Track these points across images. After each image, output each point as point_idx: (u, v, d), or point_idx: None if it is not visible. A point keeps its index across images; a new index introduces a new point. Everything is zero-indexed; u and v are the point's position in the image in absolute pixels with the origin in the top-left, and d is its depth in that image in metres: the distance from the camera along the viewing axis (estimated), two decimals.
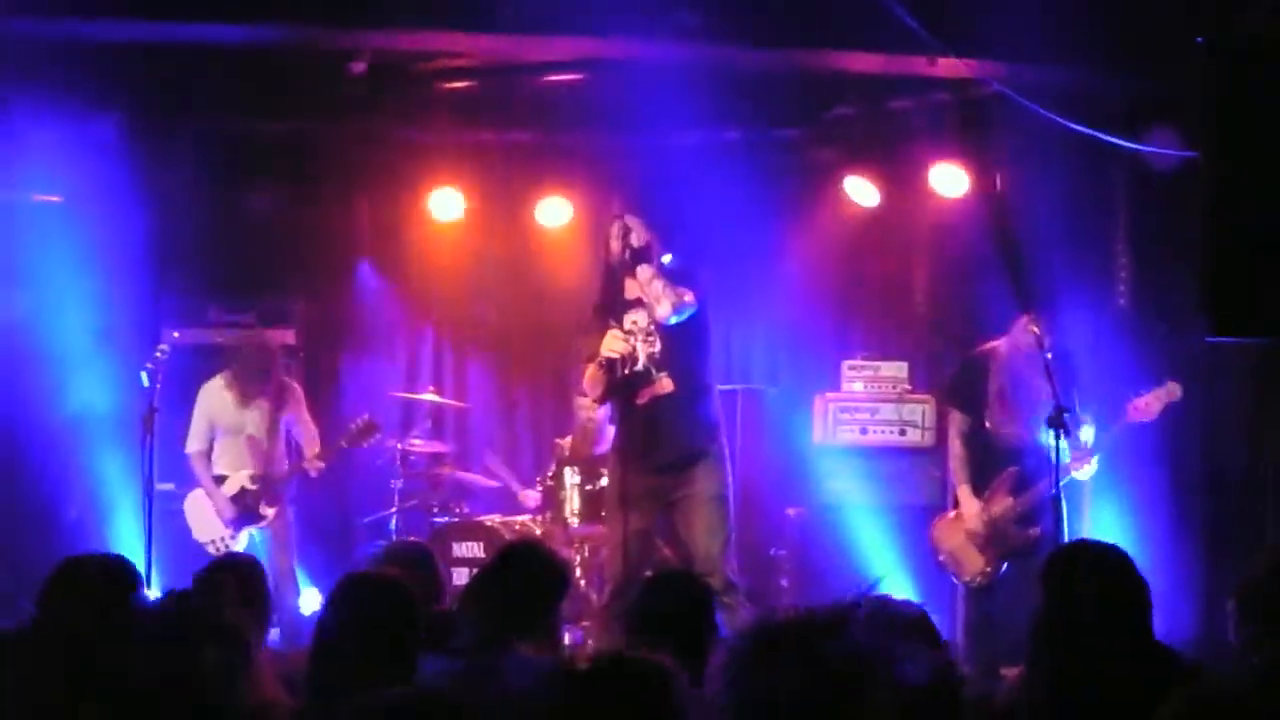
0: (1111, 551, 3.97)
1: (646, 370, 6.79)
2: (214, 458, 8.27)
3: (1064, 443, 6.78)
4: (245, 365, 8.24)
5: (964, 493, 7.47)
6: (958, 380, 7.74)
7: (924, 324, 9.48)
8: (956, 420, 7.61)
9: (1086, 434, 7.21)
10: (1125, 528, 7.76)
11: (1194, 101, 6.46)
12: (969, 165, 9.06)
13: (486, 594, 4.31)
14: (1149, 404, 7.10)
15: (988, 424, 7.42)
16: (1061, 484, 7.21)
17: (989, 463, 7.40)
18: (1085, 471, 7.21)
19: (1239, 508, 8.26)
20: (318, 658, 3.60)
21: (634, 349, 6.78)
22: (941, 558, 7.58)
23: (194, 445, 8.25)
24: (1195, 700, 2.46)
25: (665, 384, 6.80)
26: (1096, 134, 8.34)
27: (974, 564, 7.39)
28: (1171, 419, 7.61)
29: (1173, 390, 7.10)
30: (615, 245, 6.84)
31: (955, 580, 7.54)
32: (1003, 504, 7.31)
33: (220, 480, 8.21)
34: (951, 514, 7.61)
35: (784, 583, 8.68)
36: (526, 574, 4.37)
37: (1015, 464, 7.26)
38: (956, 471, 7.56)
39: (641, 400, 6.80)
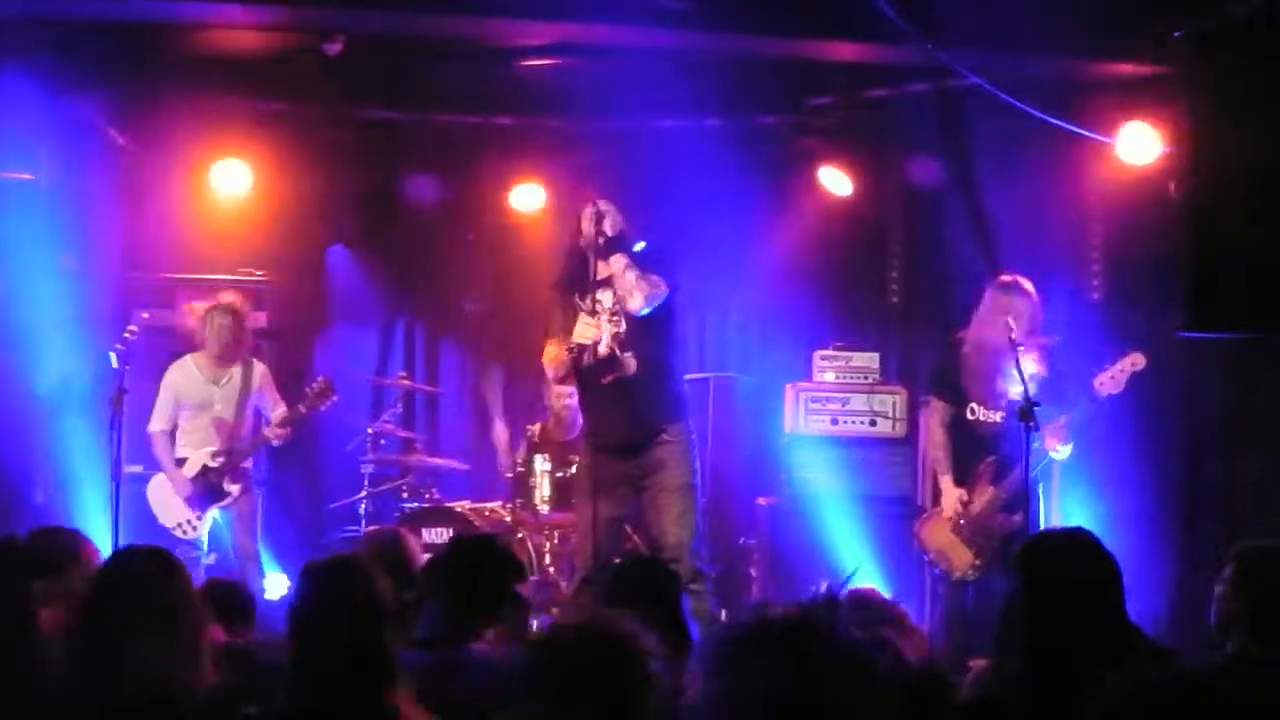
0: (1079, 536, 3.96)
1: (612, 353, 6.78)
2: (178, 437, 8.17)
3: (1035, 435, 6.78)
4: (220, 324, 8.11)
5: (946, 483, 7.44)
6: (939, 368, 7.71)
7: (897, 315, 9.49)
8: (939, 409, 7.56)
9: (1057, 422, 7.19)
10: (1097, 514, 7.80)
11: (1170, 95, 6.47)
12: (944, 157, 9.07)
13: (445, 585, 4.29)
14: (1114, 377, 7.09)
15: (969, 414, 7.40)
16: (1039, 466, 7.24)
17: (969, 451, 7.38)
18: (1062, 452, 7.21)
19: (1212, 495, 8.32)
20: (297, 646, 3.58)
21: (600, 333, 6.77)
22: (930, 556, 7.52)
23: (157, 424, 8.16)
24: (1140, 683, 2.47)
25: (630, 364, 6.79)
26: (1072, 127, 8.36)
27: (964, 559, 7.35)
28: (1146, 405, 7.64)
29: (1135, 360, 7.10)
30: (587, 227, 6.81)
31: (946, 576, 7.47)
32: (985, 494, 7.29)
33: (181, 462, 8.13)
34: (934, 510, 7.57)
35: (753, 572, 8.68)
36: (481, 563, 4.35)
37: (993, 452, 7.24)
38: (939, 461, 7.52)
39: (606, 381, 6.79)
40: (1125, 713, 2.46)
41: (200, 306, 8.28)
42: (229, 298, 8.31)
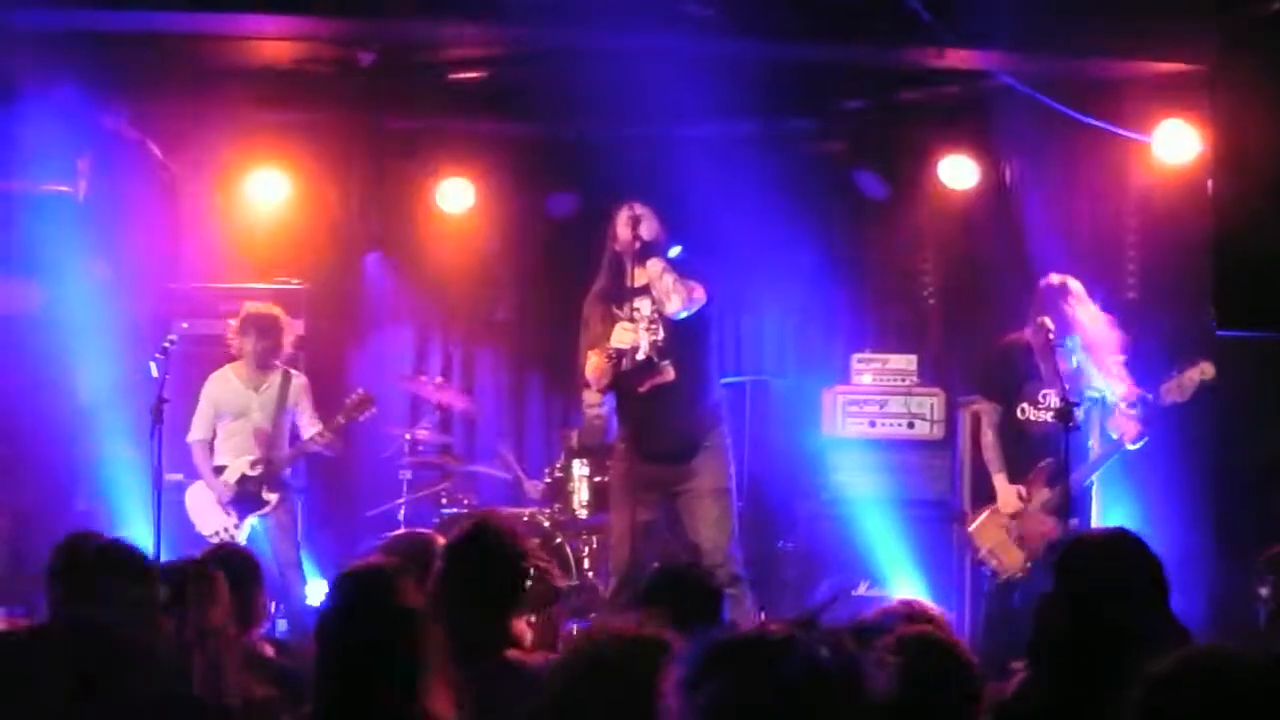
0: (1119, 537, 3.95)
1: (649, 359, 6.78)
2: (217, 445, 8.22)
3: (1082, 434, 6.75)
4: (258, 333, 8.16)
5: (1000, 481, 7.36)
6: (988, 370, 7.66)
7: (933, 317, 9.47)
8: (987, 411, 7.51)
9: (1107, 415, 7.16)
10: (1135, 518, 7.75)
11: (1205, 92, 6.46)
12: (979, 157, 9.05)
13: (459, 597, 4.22)
14: (1181, 384, 7.01)
15: (1020, 414, 7.36)
16: (1108, 462, 7.20)
17: (1021, 453, 7.33)
18: (1138, 443, 7.14)
19: (1249, 499, 8.26)
20: (322, 653, 3.58)
21: (638, 338, 6.77)
22: (981, 555, 7.43)
23: (197, 433, 8.23)
24: (1187, 661, 2.44)
25: (668, 373, 6.80)
26: (1105, 125, 8.33)
27: (1013, 560, 7.28)
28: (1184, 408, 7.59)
29: (1205, 370, 7.01)
30: (624, 232, 6.82)
31: (993, 577, 7.43)
32: (1040, 494, 7.24)
33: (220, 470, 8.18)
34: (986, 512, 7.47)
35: (790, 575, 8.67)
36: (486, 562, 4.26)
37: (1048, 454, 7.17)
38: (992, 460, 7.43)
39: (643, 389, 6.79)
40: (1167, 690, 2.45)
41: (240, 316, 8.33)
42: (263, 307, 8.35)
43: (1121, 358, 7.21)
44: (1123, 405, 7.11)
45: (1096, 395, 7.08)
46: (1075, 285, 7.30)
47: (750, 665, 2.22)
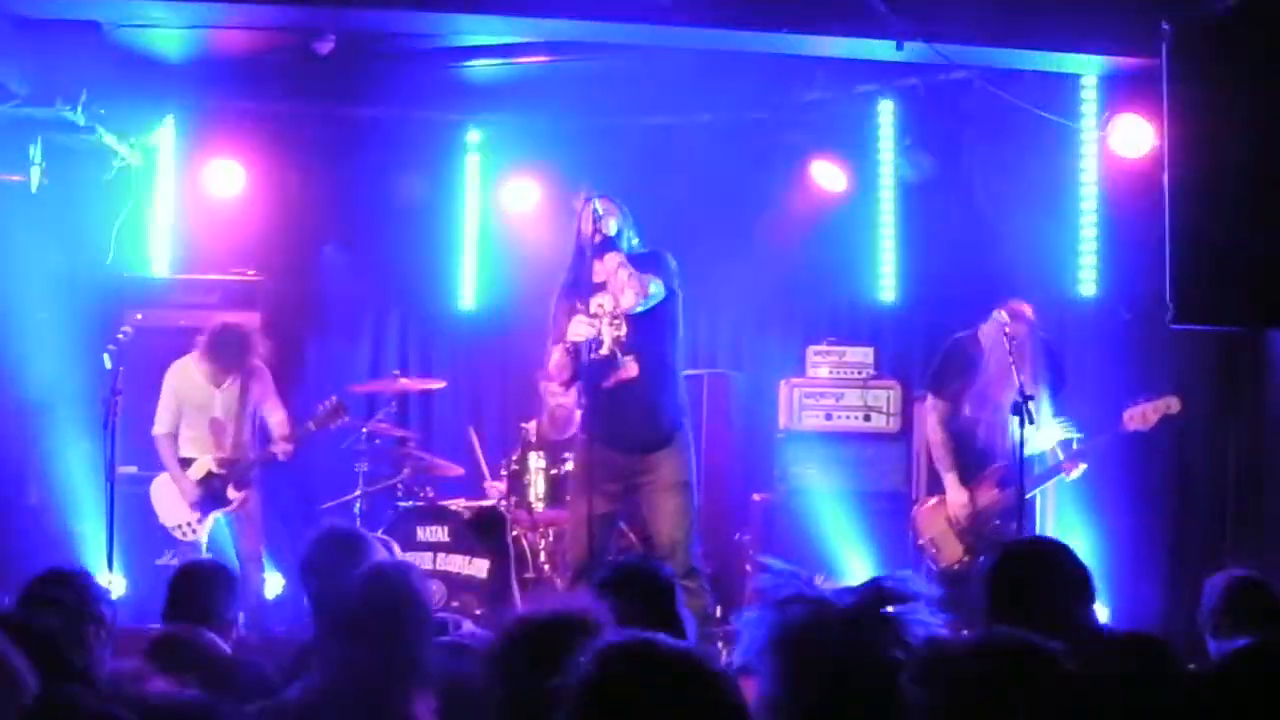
0: (1047, 544, 4.03)
1: (612, 354, 6.77)
2: (180, 440, 8.18)
3: (1028, 431, 6.77)
4: (221, 350, 8.11)
5: (951, 480, 7.44)
6: (940, 367, 7.70)
7: (890, 310, 9.49)
8: (939, 407, 7.56)
9: (1048, 421, 7.20)
10: (1089, 525, 7.81)
11: (1160, 88, 6.48)
12: (936, 151, 9.08)
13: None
14: (1146, 415, 7.07)
15: (966, 412, 7.41)
16: (1049, 484, 7.31)
17: (968, 452, 7.40)
18: (1075, 474, 7.25)
19: (1202, 507, 8.32)
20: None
21: (599, 333, 6.76)
22: (921, 542, 7.58)
23: (161, 427, 8.15)
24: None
25: (630, 368, 6.79)
26: (1063, 120, 8.37)
27: (952, 552, 7.42)
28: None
29: (1171, 404, 7.08)
30: (585, 227, 6.82)
31: (931, 565, 7.52)
32: (989, 496, 7.31)
33: (186, 464, 8.13)
34: (933, 500, 7.60)
35: (748, 567, 8.68)
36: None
37: (997, 456, 7.22)
38: (941, 459, 7.51)
39: (607, 385, 6.79)
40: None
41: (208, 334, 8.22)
42: (231, 322, 8.28)
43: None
44: (1060, 448, 7.21)
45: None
46: (1026, 310, 7.34)
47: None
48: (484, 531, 7.95)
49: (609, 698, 2.42)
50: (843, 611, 2.37)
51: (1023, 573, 3.87)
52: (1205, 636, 4.80)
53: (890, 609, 2.37)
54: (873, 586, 2.43)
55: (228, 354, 8.08)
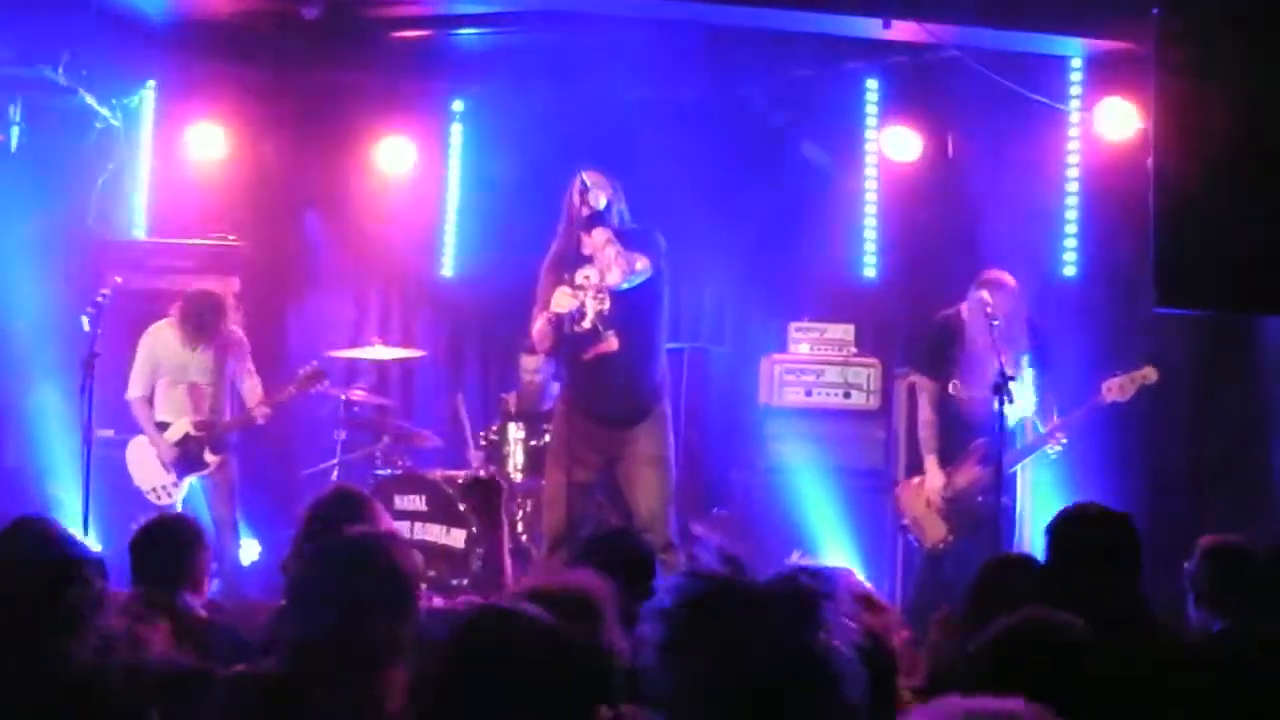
0: (1115, 513, 4.17)
1: (594, 328, 6.77)
2: (156, 404, 8.14)
3: (1009, 408, 6.81)
4: (195, 316, 8.08)
5: (931, 463, 7.46)
6: (925, 345, 7.70)
7: (872, 287, 9.48)
8: (926, 387, 7.57)
9: (1025, 395, 7.22)
10: (1064, 495, 7.81)
11: (1147, 71, 6.48)
12: (922, 129, 9.08)
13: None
14: (1123, 386, 7.11)
15: (952, 390, 7.42)
16: (1031, 458, 7.32)
17: (955, 430, 7.40)
18: (1056, 449, 7.27)
19: (1179, 488, 8.34)
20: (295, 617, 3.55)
21: (583, 305, 6.76)
22: (905, 522, 7.61)
23: (135, 390, 8.12)
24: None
25: (611, 342, 6.79)
26: (1049, 101, 8.37)
27: (936, 531, 7.43)
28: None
29: (1149, 374, 7.12)
30: (574, 200, 6.82)
31: (917, 545, 7.54)
32: (970, 474, 7.31)
33: (163, 427, 8.11)
34: (916, 480, 7.61)
35: (726, 542, 8.68)
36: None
37: (982, 433, 7.22)
38: (925, 440, 7.52)
39: (587, 357, 6.79)
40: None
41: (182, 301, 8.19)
42: (206, 289, 8.24)
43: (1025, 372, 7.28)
44: (1041, 422, 7.24)
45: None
46: (1008, 279, 7.35)
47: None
48: (479, 499, 7.90)
49: (465, 664, 2.46)
50: (746, 593, 2.33)
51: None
52: (1188, 602, 4.84)
53: (807, 602, 2.32)
54: (788, 578, 2.39)
55: (200, 321, 8.05)
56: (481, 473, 8.18)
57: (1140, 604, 4.02)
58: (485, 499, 4.93)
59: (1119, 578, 3.99)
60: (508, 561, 5.02)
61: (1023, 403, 7.12)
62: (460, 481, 8.28)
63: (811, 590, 2.31)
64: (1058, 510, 4.36)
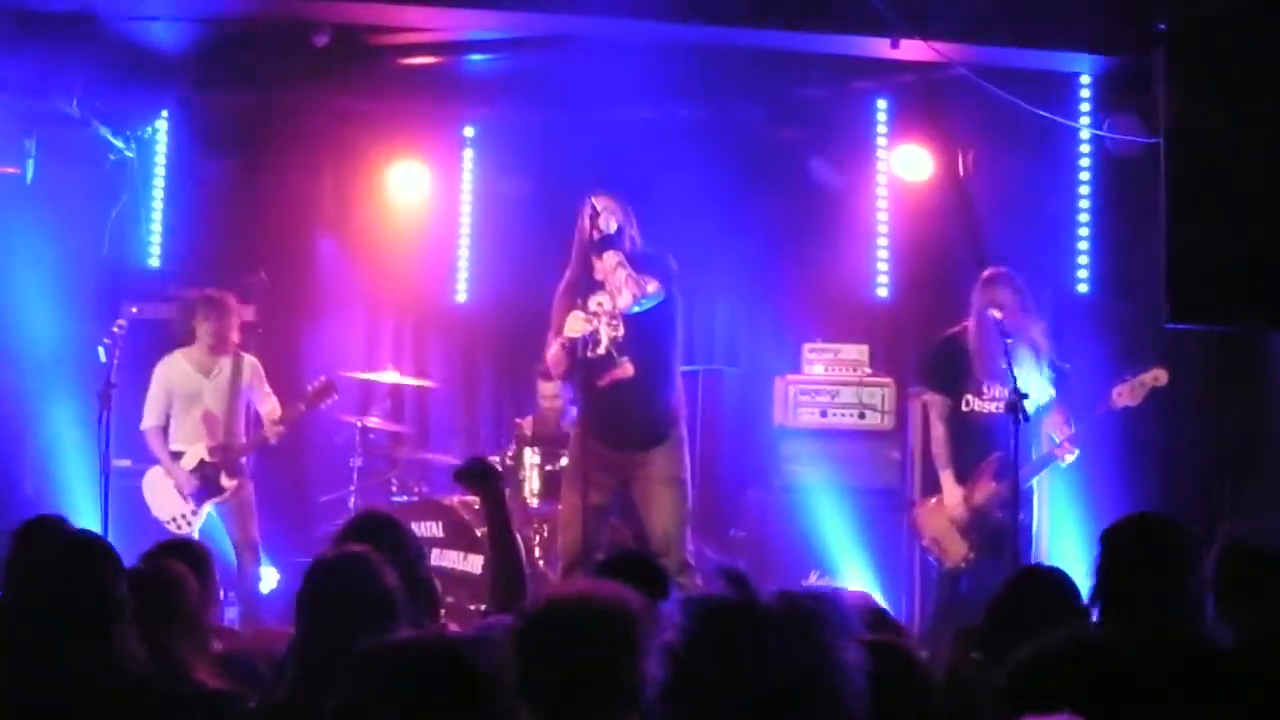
0: (1173, 524, 4.18)
1: (609, 354, 6.78)
2: (171, 433, 8.17)
3: (1025, 426, 6.79)
4: (187, 316, 8.11)
5: (947, 479, 7.37)
6: (934, 362, 7.67)
7: (885, 307, 9.48)
8: (936, 404, 7.50)
9: (1050, 418, 7.21)
10: (1080, 509, 7.80)
11: (1157, 86, 6.49)
12: (932, 148, 9.08)
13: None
14: (1134, 389, 7.07)
15: (964, 406, 7.37)
16: (1045, 470, 7.29)
17: (968, 446, 7.34)
18: (1069, 459, 7.23)
19: (1193, 492, 8.32)
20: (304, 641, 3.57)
21: (597, 331, 6.77)
22: (925, 543, 7.50)
23: (150, 420, 8.15)
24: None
25: (626, 368, 6.79)
26: (1058, 118, 8.37)
27: (957, 550, 7.33)
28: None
29: (1159, 376, 7.07)
30: (584, 224, 6.84)
31: (938, 565, 7.47)
32: (986, 489, 7.23)
33: (177, 456, 8.13)
34: (933, 500, 7.53)
35: (742, 565, 8.65)
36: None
37: (992, 444, 7.18)
38: (939, 456, 7.45)
39: (602, 383, 6.80)
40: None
41: (189, 300, 8.29)
42: (212, 291, 8.32)
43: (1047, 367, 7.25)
44: (1056, 433, 7.20)
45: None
46: (1012, 275, 7.33)
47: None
48: (478, 487, 7.87)
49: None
50: (754, 613, 2.35)
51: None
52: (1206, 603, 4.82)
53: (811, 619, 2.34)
54: (791, 596, 2.41)
55: (221, 318, 8.07)
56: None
57: (1194, 614, 4.00)
58: (484, 484, 4.85)
59: (1176, 587, 3.96)
60: (522, 553, 4.93)
61: (1037, 401, 7.07)
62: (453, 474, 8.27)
63: (815, 608, 2.31)
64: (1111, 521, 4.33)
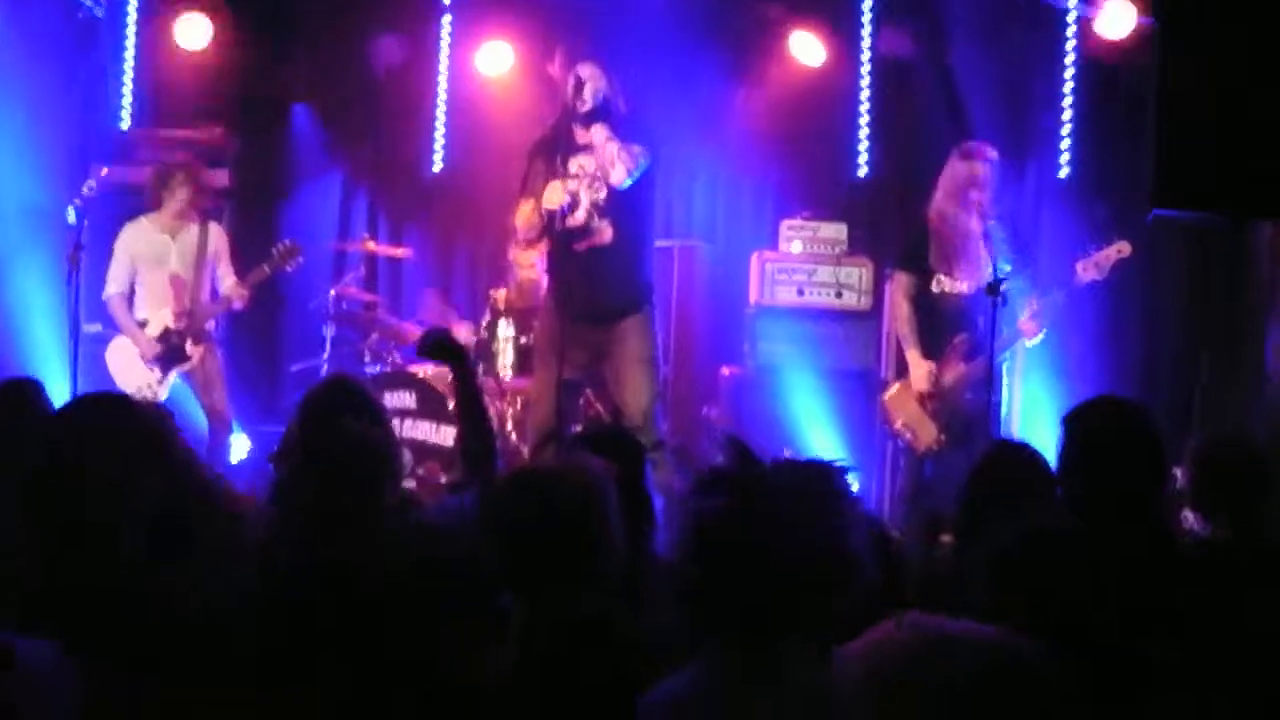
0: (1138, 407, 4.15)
1: (589, 218, 6.74)
2: (137, 300, 8.05)
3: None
4: (157, 183, 7.99)
5: (914, 356, 7.23)
6: (908, 242, 7.57)
7: (865, 186, 9.40)
8: (903, 282, 7.37)
9: (1020, 300, 7.15)
10: (1054, 399, 7.80)
11: None
12: (916, 28, 8.97)
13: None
14: (1098, 262, 6.97)
15: (935, 287, 7.27)
16: (1011, 349, 7.23)
17: (937, 325, 7.22)
18: (1036, 338, 7.15)
19: (1169, 387, 8.34)
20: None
21: (576, 195, 6.71)
22: (896, 427, 7.38)
23: (113, 287, 8.02)
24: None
25: (605, 233, 6.75)
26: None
27: (929, 434, 7.21)
28: (1107, 295, 7.60)
29: (1122, 248, 6.99)
30: (569, 94, 6.75)
31: (910, 450, 7.38)
32: (955, 370, 7.16)
33: (143, 325, 8.03)
34: (899, 384, 7.42)
35: (714, 443, 8.68)
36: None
37: (962, 326, 7.11)
38: (905, 335, 7.32)
39: (579, 248, 6.74)
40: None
41: (160, 165, 8.17)
42: (186, 156, 8.19)
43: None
44: (1027, 312, 7.09)
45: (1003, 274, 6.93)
46: (989, 150, 7.22)
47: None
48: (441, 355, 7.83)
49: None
50: (766, 497, 2.36)
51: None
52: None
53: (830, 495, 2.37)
54: (803, 471, 2.43)
55: (164, 184, 7.97)
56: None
57: (1157, 503, 3.98)
58: (447, 356, 4.74)
59: (1139, 474, 3.92)
60: (493, 426, 4.87)
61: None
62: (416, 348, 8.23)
63: (832, 483, 2.36)
64: (1074, 404, 4.27)
